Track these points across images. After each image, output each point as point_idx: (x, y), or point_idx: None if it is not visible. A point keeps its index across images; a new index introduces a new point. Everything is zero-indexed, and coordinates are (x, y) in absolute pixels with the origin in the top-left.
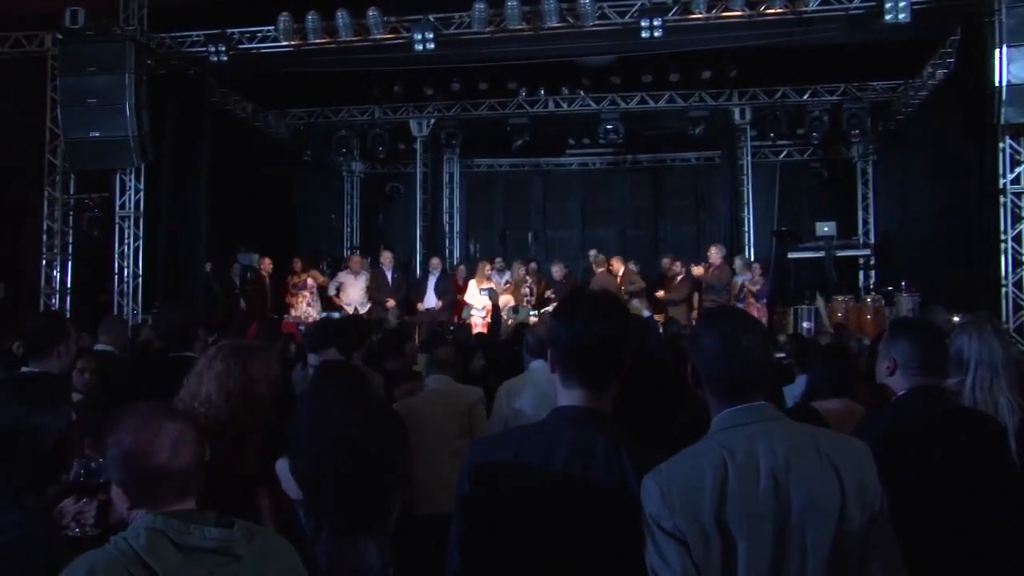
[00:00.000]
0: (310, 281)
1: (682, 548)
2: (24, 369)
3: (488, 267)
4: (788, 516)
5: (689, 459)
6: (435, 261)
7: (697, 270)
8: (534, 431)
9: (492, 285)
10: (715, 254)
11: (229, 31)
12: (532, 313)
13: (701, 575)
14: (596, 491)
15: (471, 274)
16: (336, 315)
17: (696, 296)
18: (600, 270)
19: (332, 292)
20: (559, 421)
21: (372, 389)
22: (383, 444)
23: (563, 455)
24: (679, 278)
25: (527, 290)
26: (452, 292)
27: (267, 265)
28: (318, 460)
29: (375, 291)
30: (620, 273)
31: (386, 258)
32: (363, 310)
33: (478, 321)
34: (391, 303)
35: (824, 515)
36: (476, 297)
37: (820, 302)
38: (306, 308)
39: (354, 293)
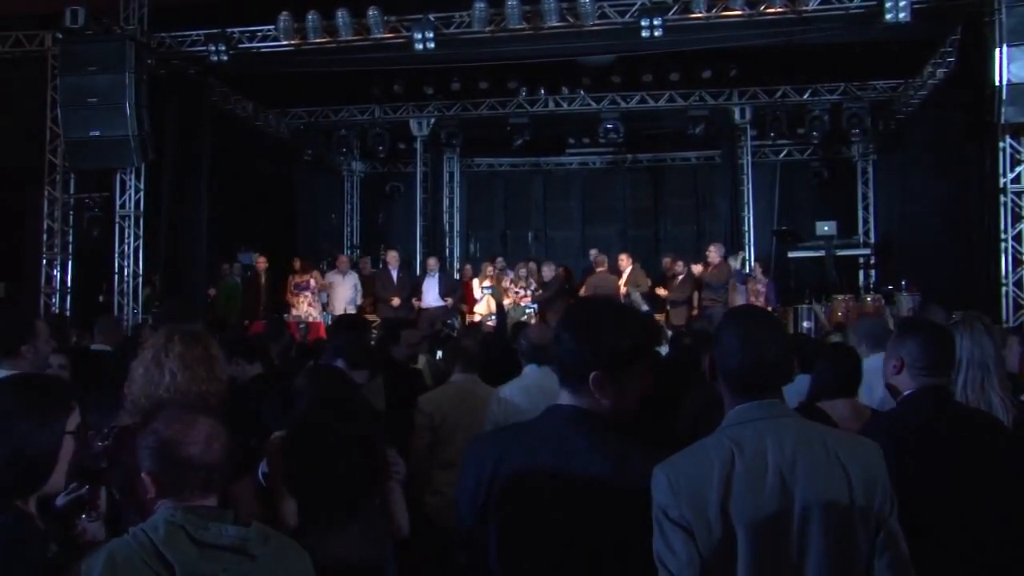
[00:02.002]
0: (313, 282)
1: (688, 537)
2: None
3: (491, 267)
4: (791, 511)
5: (698, 452)
6: (432, 261)
7: (696, 268)
8: (524, 428)
9: (493, 283)
10: (714, 253)
11: (229, 30)
12: (528, 311)
13: (706, 564)
14: (575, 488)
15: (477, 273)
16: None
17: (696, 295)
18: (600, 269)
19: (323, 299)
20: (547, 419)
21: (355, 388)
22: (367, 441)
23: (547, 452)
24: (680, 277)
25: (521, 290)
26: (461, 291)
27: (262, 263)
28: (306, 456)
29: (380, 290)
30: (627, 272)
31: (392, 257)
32: (351, 309)
33: (479, 319)
34: (396, 301)
35: (828, 512)
36: (478, 295)
37: (817, 308)
38: (307, 308)
39: (342, 292)
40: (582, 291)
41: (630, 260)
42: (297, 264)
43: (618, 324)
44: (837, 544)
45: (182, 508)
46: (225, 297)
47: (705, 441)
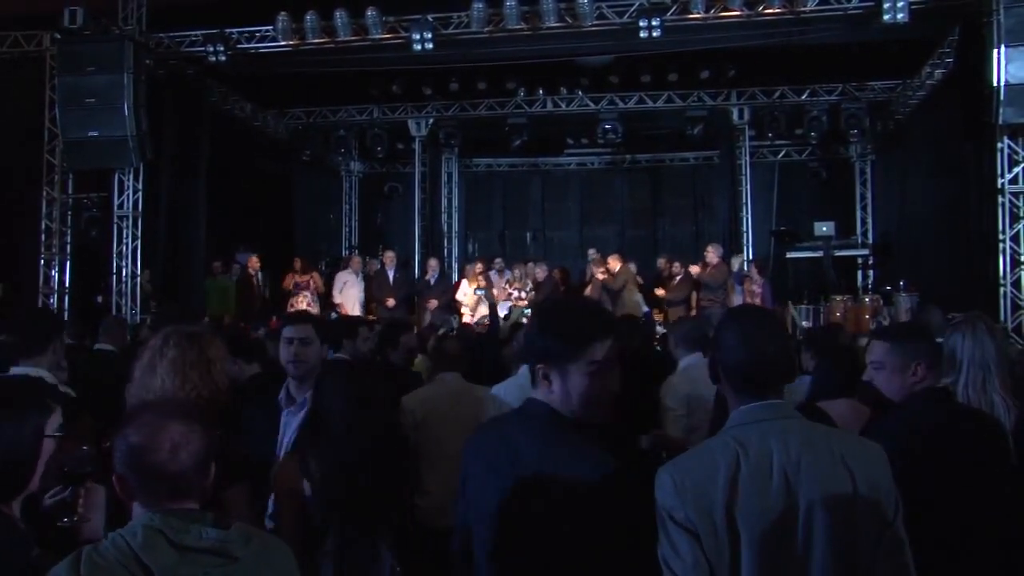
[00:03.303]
0: (312, 282)
1: (694, 540)
2: (15, 369)
3: (480, 267)
4: (796, 513)
5: (704, 453)
6: (432, 263)
7: (695, 269)
8: (492, 423)
9: (485, 285)
10: (712, 253)
11: (228, 31)
12: (526, 312)
13: (712, 567)
14: (521, 479)
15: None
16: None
17: (695, 296)
18: (600, 270)
19: (337, 297)
20: (517, 413)
21: (379, 387)
22: (393, 446)
23: (504, 447)
24: (678, 278)
25: (515, 291)
26: (450, 293)
27: (254, 263)
28: (332, 460)
29: (376, 290)
30: (615, 271)
31: (388, 258)
32: (360, 311)
33: (467, 321)
34: (391, 302)
35: (832, 514)
36: (467, 297)
37: (792, 310)
38: (306, 308)
39: (356, 292)
40: (588, 291)
41: (619, 260)
42: (298, 264)
43: (567, 320)
44: (841, 547)
45: (161, 512)
46: (217, 296)
47: (710, 442)
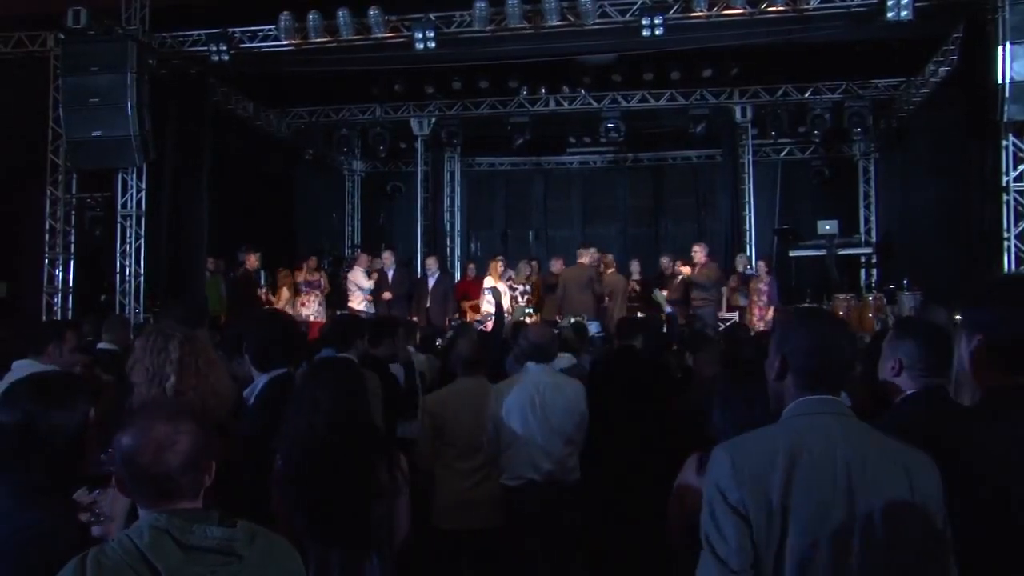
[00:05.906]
0: (323, 282)
1: (742, 524)
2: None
3: (500, 265)
4: (854, 510)
5: (764, 438)
6: (430, 262)
7: (685, 269)
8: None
9: (496, 284)
10: (699, 252)
11: (230, 30)
12: (528, 312)
13: (758, 553)
14: None
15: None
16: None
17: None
18: (611, 270)
19: (358, 295)
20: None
21: (358, 386)
22: (354, 446)
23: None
24: (679, 278)
25: (520, 285)
26: (452, 293)
27: (253, 261)
28: (286, 462)
29: (376, 289)
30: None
31: (386, 257)
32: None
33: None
34: (387, 295)
35: (889, 517)
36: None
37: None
38: (317, 308)
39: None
40: (559, 282)
41: (589, 255)
42: (312, 263)
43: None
44: (892, 551)
45: (167, 512)
46: (211, 295)
47: (769, 428)
